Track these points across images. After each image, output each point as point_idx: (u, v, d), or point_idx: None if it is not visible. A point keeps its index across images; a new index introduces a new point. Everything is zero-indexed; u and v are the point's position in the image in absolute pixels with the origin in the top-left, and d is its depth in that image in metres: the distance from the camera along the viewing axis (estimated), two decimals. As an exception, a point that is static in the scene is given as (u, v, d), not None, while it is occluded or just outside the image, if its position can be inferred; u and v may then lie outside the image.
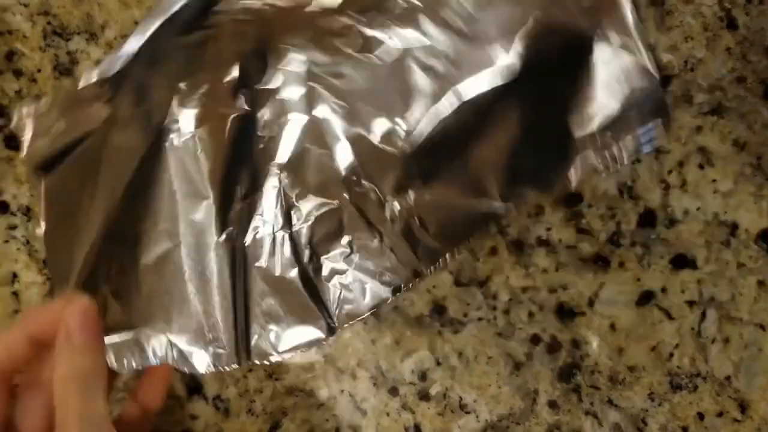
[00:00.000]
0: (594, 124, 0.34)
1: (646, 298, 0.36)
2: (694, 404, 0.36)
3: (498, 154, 0.34)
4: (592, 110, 0.34)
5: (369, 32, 0.35)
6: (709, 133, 0.36)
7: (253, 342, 0.34)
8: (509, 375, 0.36)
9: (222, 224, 0.35)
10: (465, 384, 0.36)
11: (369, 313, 0.34)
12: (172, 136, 0.35)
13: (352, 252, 0.35)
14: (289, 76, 0.36)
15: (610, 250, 0.36)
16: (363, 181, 0.35)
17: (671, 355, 0.36)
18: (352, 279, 0.35)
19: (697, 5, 0.36)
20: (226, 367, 0.34)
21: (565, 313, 0.36)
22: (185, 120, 0.35)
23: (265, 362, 0.35)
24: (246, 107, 0.35)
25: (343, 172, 0.35)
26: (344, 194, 0.35)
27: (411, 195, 0.34)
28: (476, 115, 0.34)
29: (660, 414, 0.36)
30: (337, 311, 0.35)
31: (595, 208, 0.36)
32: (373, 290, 0.34)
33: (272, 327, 0.34)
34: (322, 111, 0.35)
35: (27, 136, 0.37)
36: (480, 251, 0.36)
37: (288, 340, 0.34)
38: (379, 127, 0.35)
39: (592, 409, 0.36)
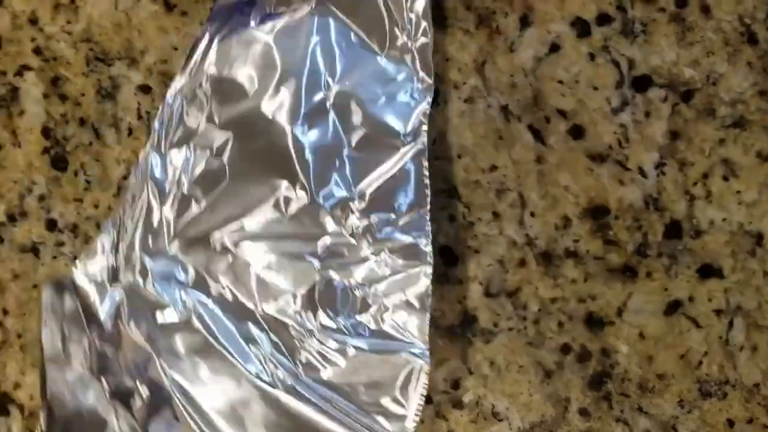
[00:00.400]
0: None
1: (673, 308, 0.37)
2: (723, 411, 0.36)
3: None
4: None
5: None
6: (732, 145, 0.36)
7: None
8: (540, 383, 0.37)
9: None
10: (497, 392, 0.37)
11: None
12: None
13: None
14: None
15: (638, 260, 0.37)
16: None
17: (700, 363, 0.36)
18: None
19: (718, 21, 0.37)
20: None
21: (594, 322, 0.37)
22: None
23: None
24: None
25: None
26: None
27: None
28: None
29: (690, 421, 0.36)
30: None
31: (622, 219, 0.37)
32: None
33: None
34: None
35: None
36: (509, 263, 0.37)
37: None
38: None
39: (622, 416, 0.37)
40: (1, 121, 0.41)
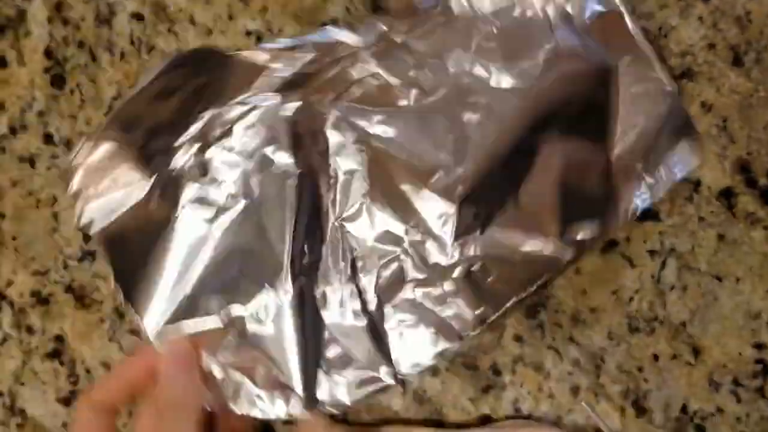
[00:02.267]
0: (626, 157, 0.36)
1: (610, 246, 0.39)
2: (650, 346, 0.38)
3: (548, 192, 0.35)
4: (622, 142, 0.36)
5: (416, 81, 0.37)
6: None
7: (322, 389, 0.36)
8: (480, 309, 0.40)
9: (292, 276, 0.36)
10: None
11: (434, 362, 0.36)
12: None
13: (415, 300, 0.36)
14: (345, 135, 0.37)
15: (579, 199, 0.39)
16: (420, 230, 0.36)
17: (631, 299, 0.39)
18: (416, 326, 0.36)
19: (676, -24, 0.38)
20: (296, 414, 0.36)
21: (534, 255, 0.39)
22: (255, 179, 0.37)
23: (334, 411, 0.36)
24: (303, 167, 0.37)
25: (402, 223, 0.36)
26: (404, 244, 0.36)
27: (469, 241, 0.36)
28: (519, 153, 0.36)
29: (618, 353, 0.39)
30: (401, 359, 0.36)
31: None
32: (437, 337, 0.36)
33: (340, 375, 0.36)
34: (376, 165, 0.37)
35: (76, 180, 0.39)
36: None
37: (356, 387, 0.36)
38: (432, 175, 0.36)
39: (554, 344, 0.39)
40: (8, 41, 0.44)
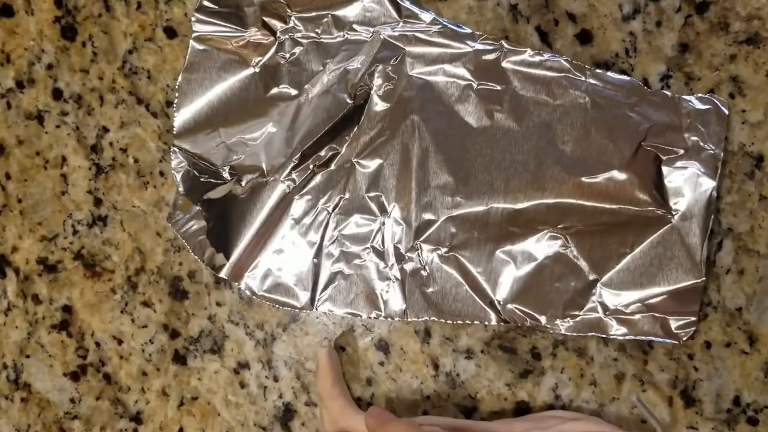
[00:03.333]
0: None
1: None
2: (702, 333, 0.36)
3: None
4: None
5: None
6: (743, 62, 0.35)
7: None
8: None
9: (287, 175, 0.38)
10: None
11: (342, 314, 0.38)
12: None
13: (365, 261, 0.37)
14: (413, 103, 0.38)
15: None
16: (403, 214, 0.37)
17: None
18: (350, 280, 0.37)
19: (745, -67, 0.35)
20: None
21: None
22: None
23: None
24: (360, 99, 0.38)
25: (394, 202, 0.37)
26: (386, 215, 0.37)
27: (433, 251, 0.37)
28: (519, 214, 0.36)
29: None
30: (319, 293, 0.38)
31: (620, 130, 0.36)
32: (358, 301, 0.37)
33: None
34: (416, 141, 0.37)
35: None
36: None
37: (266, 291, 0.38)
38: (439, 181, 0.37)
39: (599, 328, 0.37)
40: (15, -12, 0.41)
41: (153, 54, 0.40)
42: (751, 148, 0.35)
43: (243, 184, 0.38)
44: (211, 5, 0.38)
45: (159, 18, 0.40)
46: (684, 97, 0.35)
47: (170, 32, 0.40)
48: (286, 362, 0.39)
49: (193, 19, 0.38)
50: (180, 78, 0.38)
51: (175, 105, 0.38)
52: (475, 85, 0.36)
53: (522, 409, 0.37)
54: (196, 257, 0.38)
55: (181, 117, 0.38)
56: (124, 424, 0.40)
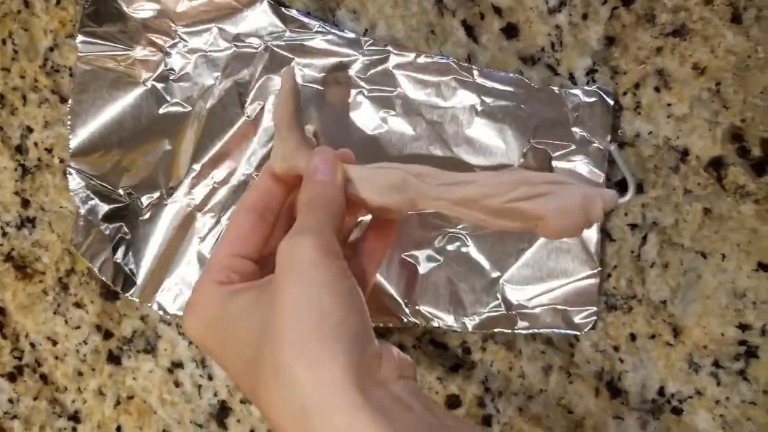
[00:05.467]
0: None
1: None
2: (627, 325, 0.36)
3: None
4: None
5: None
6: (669, 55, 0.35)
7: None
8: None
9: None
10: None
11: None
12: None
13: None
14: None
15: (558, 168, 0.36)
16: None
17: (609, 275, 0.36)
18: None
19: None
20: None
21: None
22: None
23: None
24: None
25: None
26: None
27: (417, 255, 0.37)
28: None
29: (593, 332, 0.37)
30: None
31: (547, 125, 0.36)
32: None
33: None
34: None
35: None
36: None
37: None
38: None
39: (526, 322, 0.37)
40: (-70, -18, 0.40)
41: (74, 51, 0.39)
42: (677, 142, 0.35)
43: (143, 204, 0.37)
44: (93, 25, 0.37)
45: (79, 14, 0.39)
46: (570, 90, 0.35)
47: (91, 28, 0.39)
48: (220, 361, 0.39)
49: (77, 40, 0.37)
50: (70, 100, 0.37)
51: (68, 127, 0.37)
52: (366, 92, 0.36)
53: (453, 403, 0.38)
54: (104, 279, 0.37)
55: (76, 138, 0.37)
56: (63, 423, 0.41)
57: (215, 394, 0.39)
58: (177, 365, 0.39)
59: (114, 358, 0.40)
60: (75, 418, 0.41)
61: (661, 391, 0.36)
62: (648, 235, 0.36)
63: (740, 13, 0.34)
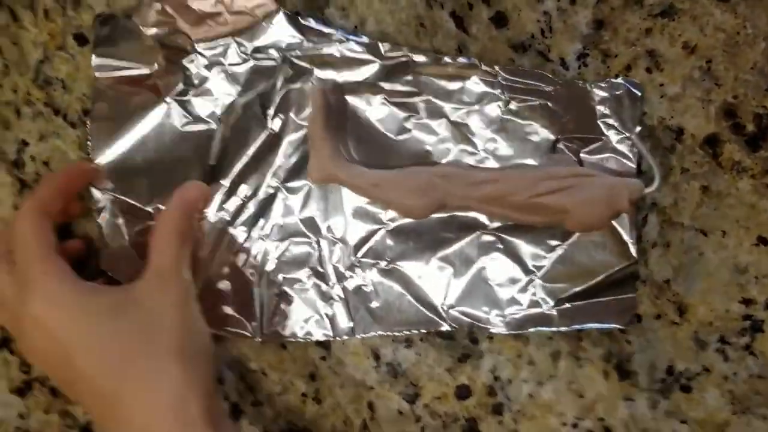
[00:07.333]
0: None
1: (589, 203, 0.36)
2: (632, 307, 0.36)
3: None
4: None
5: None
6: (658, 35, 0.35)
7: None
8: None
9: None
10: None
11: (288, 339, 0.38)
12: None
13: (305, 284, 0.37)
14: None
15: (555, 154, 0.36)
16: (338, 234, 0.37)
17: (612, 258, 0.36)
18: (294, 304, 0.37)
19: None
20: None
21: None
22: None
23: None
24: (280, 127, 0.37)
25: (326, 221, 0.37)
26: (320, 236, 0.37)
27: (374, 266, 0.37)
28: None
29: (599, 315, 0.37)
30: (266, 321, 0.37)
31: (541, 112, 0.36)
32: (305, 325, 0.37)
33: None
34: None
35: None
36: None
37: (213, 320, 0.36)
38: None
39: (532, 309, 0.37)
40: None
41: (65, 62, 0.39)
42: (671, 122, 0.35)
43: None
44: (108, 45, 0.37)
45: (68, 25, 0.39)
46: (597, 83, 0.35)
47: (81, 39, 0.39)
48: (228, 364, 0.39)
49: (93, 62, 0.37)
50: (89, 123, 0.37)
51: (89, 149, 0.37)
52: (389, 97, 0.36)
53: (463, 393, 0.38)
54: None
55: (99, 161, 0.37)
56: (74, 436, 0.41)
57: (226, 398, 0.39)
58: (185, 371, 0.39)
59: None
60: (87, 430, 0.41)
61: (669, 371, 0.37)
62: (648, 215, 0.36)
63: (727, -10, 0.34)
